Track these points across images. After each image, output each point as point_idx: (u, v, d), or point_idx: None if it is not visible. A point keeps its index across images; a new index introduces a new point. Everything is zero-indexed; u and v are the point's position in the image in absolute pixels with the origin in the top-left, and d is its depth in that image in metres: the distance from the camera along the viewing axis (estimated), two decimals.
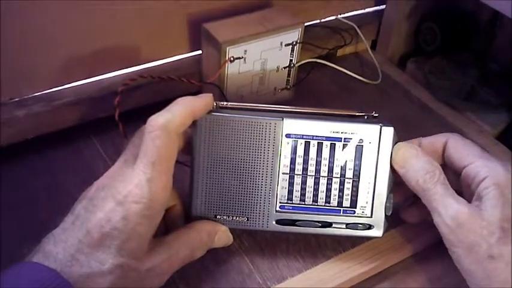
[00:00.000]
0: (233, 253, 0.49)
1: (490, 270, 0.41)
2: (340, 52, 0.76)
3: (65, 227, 0.40)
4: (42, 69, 0.56)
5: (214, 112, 0.46)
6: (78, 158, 0.58)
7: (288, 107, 0.50)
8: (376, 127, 0.47)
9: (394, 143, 0.47)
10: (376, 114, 0.50)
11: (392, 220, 0.49)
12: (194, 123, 0.45)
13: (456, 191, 0.45)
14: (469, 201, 0.44)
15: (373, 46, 0.78)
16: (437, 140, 0.49)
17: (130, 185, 0.40)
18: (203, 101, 0.45)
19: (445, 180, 0.45)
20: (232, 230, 0.48)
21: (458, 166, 0.47)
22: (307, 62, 0.67)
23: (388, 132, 0.47)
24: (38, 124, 0.56)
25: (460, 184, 0.47)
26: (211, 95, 0.46)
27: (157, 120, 0.41)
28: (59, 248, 0.38)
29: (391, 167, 0.47)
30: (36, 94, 0.57)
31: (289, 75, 0.64)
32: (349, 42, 0.73)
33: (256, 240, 0.51)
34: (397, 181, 0.48)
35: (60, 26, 0.55)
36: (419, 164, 0.46)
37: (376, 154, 0.47)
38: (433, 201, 0.44)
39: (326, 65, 0.69)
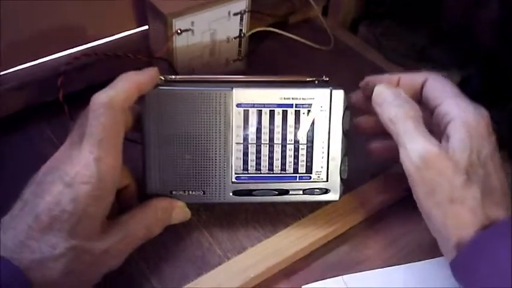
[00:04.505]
0: (192, 228, 0.49)
1: (448, 214, 0.41)
2: (292, 19, 0.75)
3: (13, 214, 0.39)
4: None
5: (162, 86, 0.45)
6: (27, 144, 0.56)
7: (237, 76, 0.50)
8: (326, 91, 0.47)
9: (345, 105, 0.47)
10: (327, 79, 0.50)
11: (349, 183, 0.49)
12: (142, 99, 0.44)
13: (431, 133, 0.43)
14: (440, 141, 0.43)
15: (325, 12, 0.77)
16: (416, 78, 0.48)
17: (78, 166, 0.39)
18: (147, 75, 0.44)
19: (418, 118, 0.43)
20: (189, 205, 0.47)
21: (432, 105, 0.46)
22: (259, 31, 0.66)
23: (339, 95, 0.47)
24: None
25: (434, 125, 0.46)
26: (156, 68, 0.45)
27: (101, 98, 0.40)
28: (8, 236, 0.37)
29: (343, 130, 0.47)
30: None
31: (240, 45, 0.63)
32: (299, 8, 0.72)
33: (214, 213, 0.50)
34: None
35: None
36: (396, 100, 0.45)
37: (328, 118, 0.47)
38: (401, 136, 0.43)
39: (278, 33, 0.68)
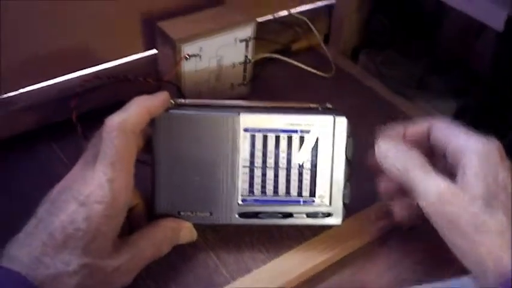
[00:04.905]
0: (198, 248, 0.50)
1: (476, 241, 0.41)
2: (294, 46, 0.77)
3: (28, 231, 0.40)
4: None
5: (172, 110, 0.47)
6: (37, 162, 0.57)
7: (245, 101, 0.51)
8: (330, 118, 0.48)
9: (348, 132, 0.49)
10: (330, 106, 0.51)
11: (351, 208, 0.50)
12: (152, 122, 0.46)
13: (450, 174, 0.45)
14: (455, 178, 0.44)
15: (326, 40, 0.80)
16: (421, 127, 0.49)
17: (92, 186, 0.40)
18: (159, 99, 0.45)
19: (424, 162, 0.45)
20: (196, 226, 0.48)
21: (442, 147, 0.47)
22: (263, 58, 0.69)
23: (342, 122, 0.48)
24: None
25: (449, 166, 0.46)
26: (167, 92, 0.46)
27: (114, 120, 0.42)
28: (23, 252, 0.38)
29: (346, 155, 0.49)
30: None
31: (245, 70, 0.65)
32: (302, 36, 0.75)
33: (220, 234, 0.51)
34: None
35: (13, 30, 0.54)
36: (397, 153, 0.46)
37: (332, 143, 0.48)
38: (414, 185, 0.44)
39: (281, 59, 0.70)
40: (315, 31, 0.74)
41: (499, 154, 0.44)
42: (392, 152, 0.47)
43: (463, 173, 0.43)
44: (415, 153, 0.46)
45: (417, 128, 0.50)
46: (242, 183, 0.48)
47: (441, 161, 0.47)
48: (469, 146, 0.44)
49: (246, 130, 0.48)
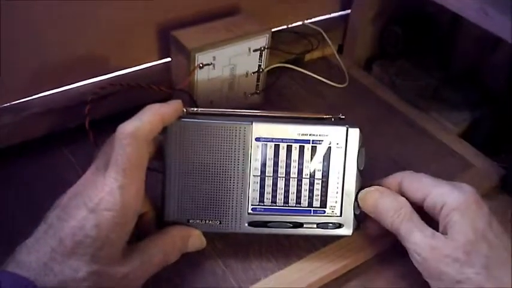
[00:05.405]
0: (207, 256, 0.50)
1: None
2: (308, 57, 0.77)
3: (37, 236, 0.40)
4: (11, 80, 0.56)
5: (184, 118, 0.47)
6: (49, 168, 0.58)
7: (257, 111, 0.51)
8: (343, 129, 0.48)
9: (361, 143, 0.49)
10: (343, 116, 0.51)
11: (362, 219, 0.50)
12: (165, 130, 0.46)
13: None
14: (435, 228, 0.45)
15: (340, 50, 0.80)
16: (392, 181, 0.50)
17: (102, 193, 0.40)
18: (172, 108, 0.45)
19: (411, 214, 0.46)
20: (205, 234, 0.48)
21: (417, 201, 0.48)
22: (276, 67, 0.68)
23: (355, 133, 0.48)
24: (7, 135, 0.56)
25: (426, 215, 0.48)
26: (180, 101, 0.46)
27: (127, 128, 0.42)
28: (32, 257, 0.39)
29: (358, 167, 0.48)
30: (5, 105, 0.57)
31: (258, 80, 0.65)
32: (316, 46, 0.75)
33: (229, 242, 0.51)
34: None
35: (28, 37, 0.55)
36: (385, 205, 0.48)
37: (344, 155, 0.48)
38: (404, 241, 0.46)
39: (294, 69, 0.70)
40: (329, 41, 0.74)
41: (475, 202, 0.45)
42: (380, 204, 0.48)
43: (445, 227, 0.45)
44: (402, 204, 0.47)
45: (389, 181, 0.51)
46: (252, 192, 0.48)
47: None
48: (444, 199, 0.46)
49: (258, 139, 0.48)
